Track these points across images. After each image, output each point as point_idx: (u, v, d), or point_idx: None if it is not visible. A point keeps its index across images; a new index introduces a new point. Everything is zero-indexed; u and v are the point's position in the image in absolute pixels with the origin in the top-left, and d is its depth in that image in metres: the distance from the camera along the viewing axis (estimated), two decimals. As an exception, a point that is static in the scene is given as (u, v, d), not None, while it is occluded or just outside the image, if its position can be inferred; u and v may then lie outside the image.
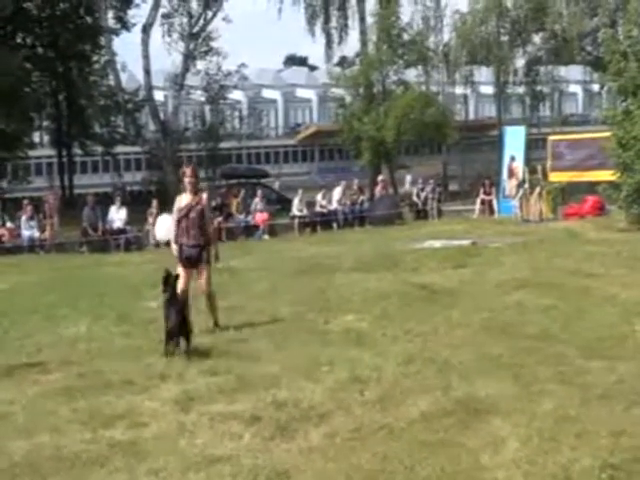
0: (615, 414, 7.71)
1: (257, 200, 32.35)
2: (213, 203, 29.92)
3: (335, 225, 31.97)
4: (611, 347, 10.15)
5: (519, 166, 31.66)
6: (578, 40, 44.18)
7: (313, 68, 67.12)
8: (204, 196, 12.41)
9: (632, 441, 7.04)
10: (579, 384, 8.69)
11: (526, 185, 29.50)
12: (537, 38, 47.70)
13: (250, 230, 31.01)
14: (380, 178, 36.54)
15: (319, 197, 33.18)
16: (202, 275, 12.16)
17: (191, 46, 47.77)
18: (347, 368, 9.52)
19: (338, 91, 46.43)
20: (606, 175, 26.01)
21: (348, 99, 45.13)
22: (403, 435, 7.43)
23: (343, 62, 51.67)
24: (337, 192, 33.45)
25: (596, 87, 49.57)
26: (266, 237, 30.53)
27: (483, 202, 32.87)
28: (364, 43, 45.60)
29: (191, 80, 49.66)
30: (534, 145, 33.82)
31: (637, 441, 7.04)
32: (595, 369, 9.22)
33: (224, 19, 48.19)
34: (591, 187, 28.42)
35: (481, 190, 33.25)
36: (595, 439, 7.11)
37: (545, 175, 30.88)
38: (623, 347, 10.13)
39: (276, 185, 45.35)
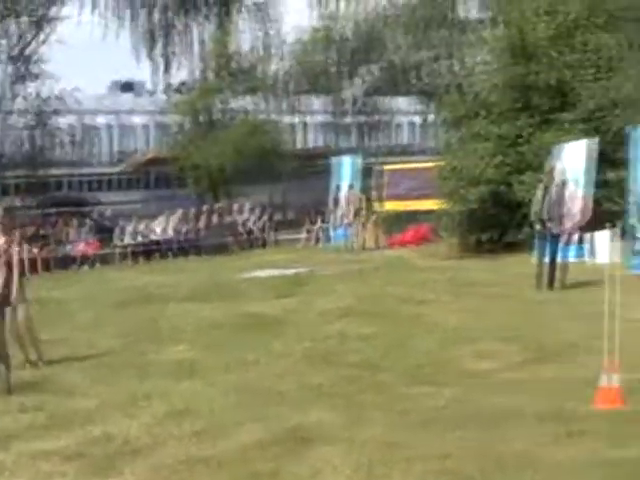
0: (440, 438, 7.84)
1: (85, 229, 31.73)
2: (42, 232, 29.26)
3: (170, 254, 31.60)
4: (433, 373, 10.36)
5: (355, 195, 32.00)
6: (410, 71, 45.16)
7: (150, 93, 66.25)
8: (15, 235, 12.17)
9: (457, 463, 7.20)
10: (403, 410, 8.81)
11: (362, 213, 29.87)
12: (372, 68, 48.49)
13: (78, 260, 30.30)
14: (215, 206, 36.39)
15: (154, 225, 32.78)
16: (17, 312, 11.85)
17: (21, 69, 46.46)
18: (173, 400, 9.41)
19: (175, 117, 46.02)
20: (434, 204, 26.58)
21: (184, 126, 44.81)
22: (231, 466, 7.35)
23: (180, 88, 51.20)
24: (173, 220, 33.12)
25: (431, 117, 50.67)
26: (97, 266, 29.93)
27: (309, 231, 33.11)
28: (203, 70, 45.42)
29: (19, 104, 48.13)
30: (370, 174, 34.23)
31: (461, 463, 7.20)
32: (417, 395, 9.38)
33: (57, 41, 46.91)
34: (421, 216, 29.01)
35: (307, 219, 33.48)
36: (423, 463, 7.22)
37: (378, 204, 31.38)
38: (445, 373, 10.36)
39: (108, 213, 44.47)
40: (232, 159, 40.29)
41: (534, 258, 18.06)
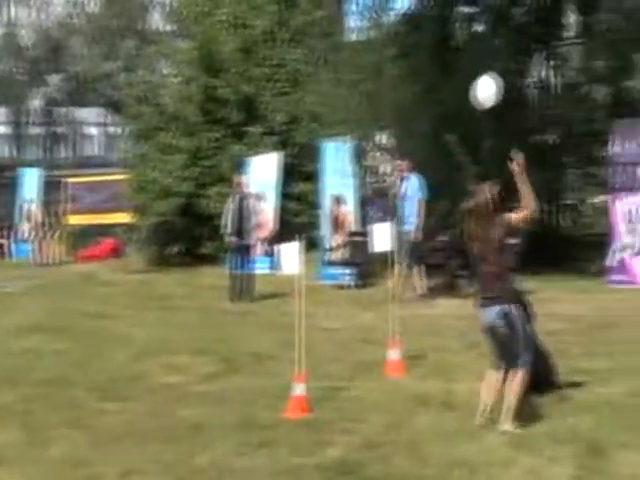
0: (126, 453, 7.61)
1: None
2: None
3: None
4: (123, 388, 10.08)
5: (36, 208, 31.03)
6: (96, 82, 44.34)
7: None
8: None
9: (141, 478, 7.00)
10: (91, 427, 8.51)
11: (44, 228, 28.98)
12: (55, 78, 47.17)
13: None
14: None
15: None
16: None
17: None
18: None
19: None
20: (122, 217, 26.23)
21: None
22: None
23: None
24: None
25: (115, 130, 49.95)
26: None
27: (-4, 246, 31.66)
28: None
29: None
30: (52, 187, 33.23)
31: (146, 477, 7.00)
32: (107, 411, 9.11)
33: None
34: (108, 229, 28.50)
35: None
36: (105, 480, 6.98)
37: (63, 217, 30.55)
38: (135, 387, 10.12)
39: None
40: None
41: (226, 270, 18.13)
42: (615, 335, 11.70)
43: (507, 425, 7.80)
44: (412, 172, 16.84)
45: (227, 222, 17.84)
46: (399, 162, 17.36)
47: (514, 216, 8.08)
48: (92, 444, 7.93)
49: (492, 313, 7.93)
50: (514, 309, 7.92)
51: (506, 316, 7.86)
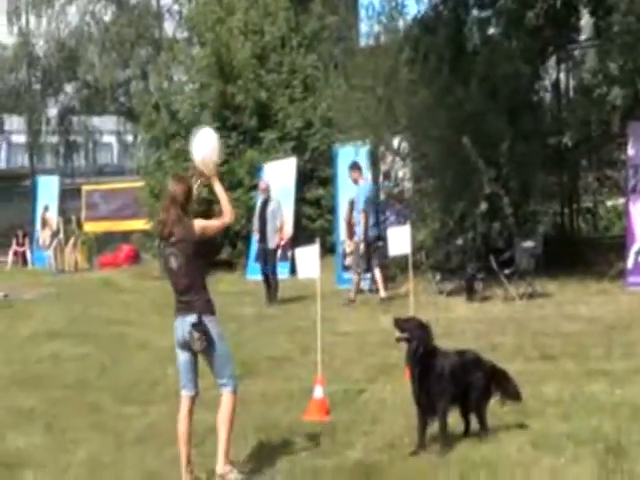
0: (149, 457, 7.66)
1: None
2: None
3: None
4: (144, 392, 10.15)
5: (53, 216, 31.18)
6: (111, 90, 44.50)
7: None
8: None
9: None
10: (114, 430, 8.58)
11: (60, 235, 29.12)
12: (69, 87, 47.31)
13: None
14: None
15: None
16: None
17: None
18: None
19: None
20: (139, 224, 26.33)
21: None
22: None
23: None
24: None
25: (130, 137, 50.19)
26: None
27: (16, 253, 31.72)
28: None
29: None
30: (69, 195, 33.40)
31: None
32: (129, 414, 9.18)
33: None
34: (125, 236, 28.58)
35: (14, 241, 32.06)
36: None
37: (80, 225, 30.69)
38: (155, 391, 10.15)
39: None
40: None
41: (243, 275, 18.12)
42: (633, 336, 11.66)
43: (221, 468, 6.87)
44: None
45: (254, 226, 18.23)
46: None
47: (209, 223, 7.13)
48: (115, 447, 8.01)
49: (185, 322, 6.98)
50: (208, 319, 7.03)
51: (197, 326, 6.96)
